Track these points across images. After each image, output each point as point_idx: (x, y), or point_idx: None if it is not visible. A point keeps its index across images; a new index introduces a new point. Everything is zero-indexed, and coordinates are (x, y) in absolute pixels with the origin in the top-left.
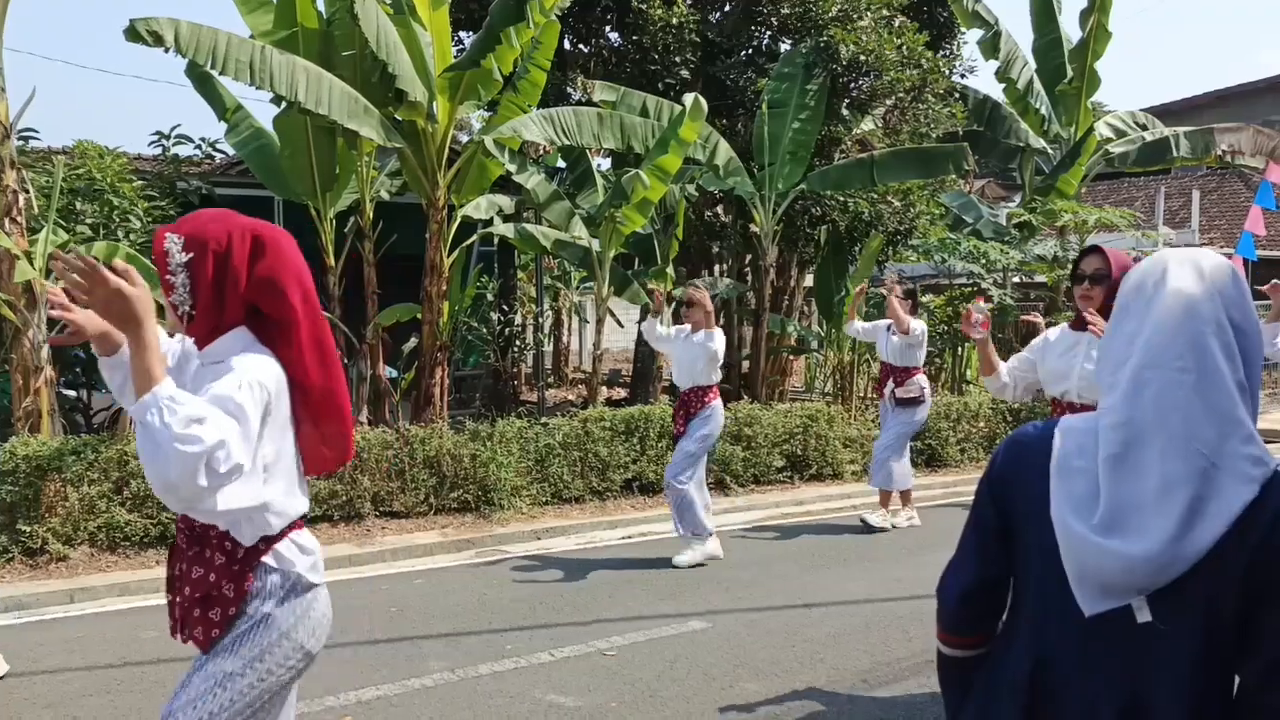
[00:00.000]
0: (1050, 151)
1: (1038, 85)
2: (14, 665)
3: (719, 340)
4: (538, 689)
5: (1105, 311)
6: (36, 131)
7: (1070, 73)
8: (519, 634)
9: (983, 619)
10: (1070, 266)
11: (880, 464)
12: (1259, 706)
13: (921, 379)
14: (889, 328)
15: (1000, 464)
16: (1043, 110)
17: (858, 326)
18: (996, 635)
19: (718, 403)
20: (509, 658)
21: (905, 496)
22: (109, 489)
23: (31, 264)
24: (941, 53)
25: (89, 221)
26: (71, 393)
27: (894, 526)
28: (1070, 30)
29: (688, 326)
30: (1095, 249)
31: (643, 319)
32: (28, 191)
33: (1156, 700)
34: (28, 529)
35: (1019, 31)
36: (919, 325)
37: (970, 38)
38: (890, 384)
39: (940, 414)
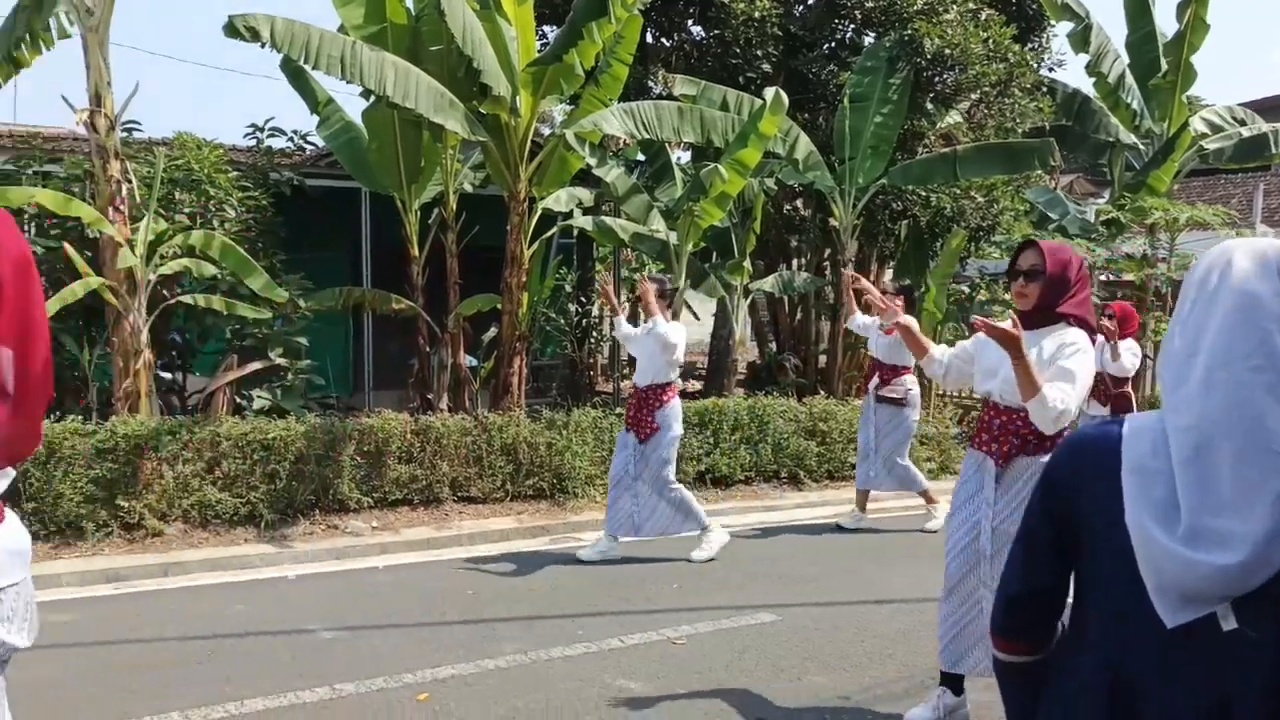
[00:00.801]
0: (1141, 147)
1: (1130, 79)
2: (112, 633)
3: (666, 329)
4: (607, 674)
5: (1041, 309)
6: (139, 124)
7: (1164, 66)
8: (590, 620)
9: (1032, 627)
10: (1147, 263)
11: (888, 467)
12: None
13: (909, 380)
14: (881, 325)
15: (1059, 469)
16: (1134, 105)
17: (858, 321)
18: (1060, 642)
19: (676, 401)
20: (580, 642)
21: (927, 496)
22: (201, 468)
23: (133, 251)
24: (1029, 46)
25: (187, 211)
26: (168, 375)
27: (928, 527)
28: (1165, 24)
29: (652, 320)
30: (1031, 243)
31: (719, 312)
32: (130, 181)
33: (1241, 706)
34: (126, 505)
35: (1110, 24)
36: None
37: (1059, 30)
38: (875, 380)
39: None
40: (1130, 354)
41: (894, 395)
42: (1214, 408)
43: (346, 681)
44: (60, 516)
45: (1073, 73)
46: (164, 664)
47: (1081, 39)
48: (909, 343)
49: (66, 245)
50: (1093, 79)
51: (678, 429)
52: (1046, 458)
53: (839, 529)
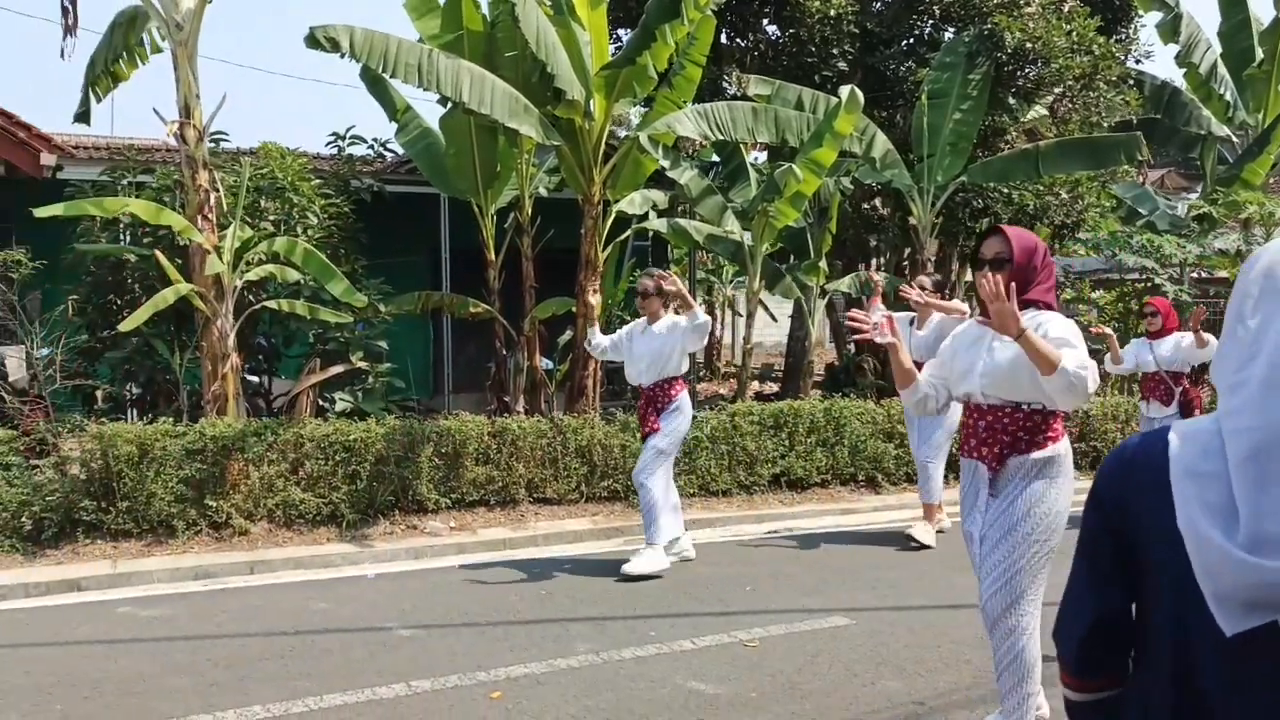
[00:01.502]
0: (1235, 139)
1: (1222, 70)
2: (199, 628)
3: (707, 317)
4: (679, 675)
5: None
6: (226, 134)
7: (1260, 56)
8: (662, 621)
9: (1111, 657)
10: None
11: (926, 475)
12: None
13: None
14: (911, 322)
15: (1108, 482)
16: (1228, 96)
17: (878, 318)
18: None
19: (685, 395)
20: (652, 643)
21: (929, 510)
22: (286, 469)
23: (221, 258)
24: (1115, 38)
25: (271, 218)
26: (255, 378)
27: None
28: (1262, 11)
29: (642, 321)
30: (995, 230)
31: (795, 313)
32: (218, 190)
33: None
34: (214, 504)
35: (1202, 14)
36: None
37: (1148, 21)
38: None
39: (1108, 414)
40: (1176, 347)
41: None
42: (1275, 410)
43: (422, 679)
44: (152, 515)
45: (1161, 64)
46: (248, 659)
47: (1171, 29)
48: (895, 365)
49: (158, 253)
50: (1183, 70)
51: (680, 424)
52: (1040, 453)
53: (908, 539)
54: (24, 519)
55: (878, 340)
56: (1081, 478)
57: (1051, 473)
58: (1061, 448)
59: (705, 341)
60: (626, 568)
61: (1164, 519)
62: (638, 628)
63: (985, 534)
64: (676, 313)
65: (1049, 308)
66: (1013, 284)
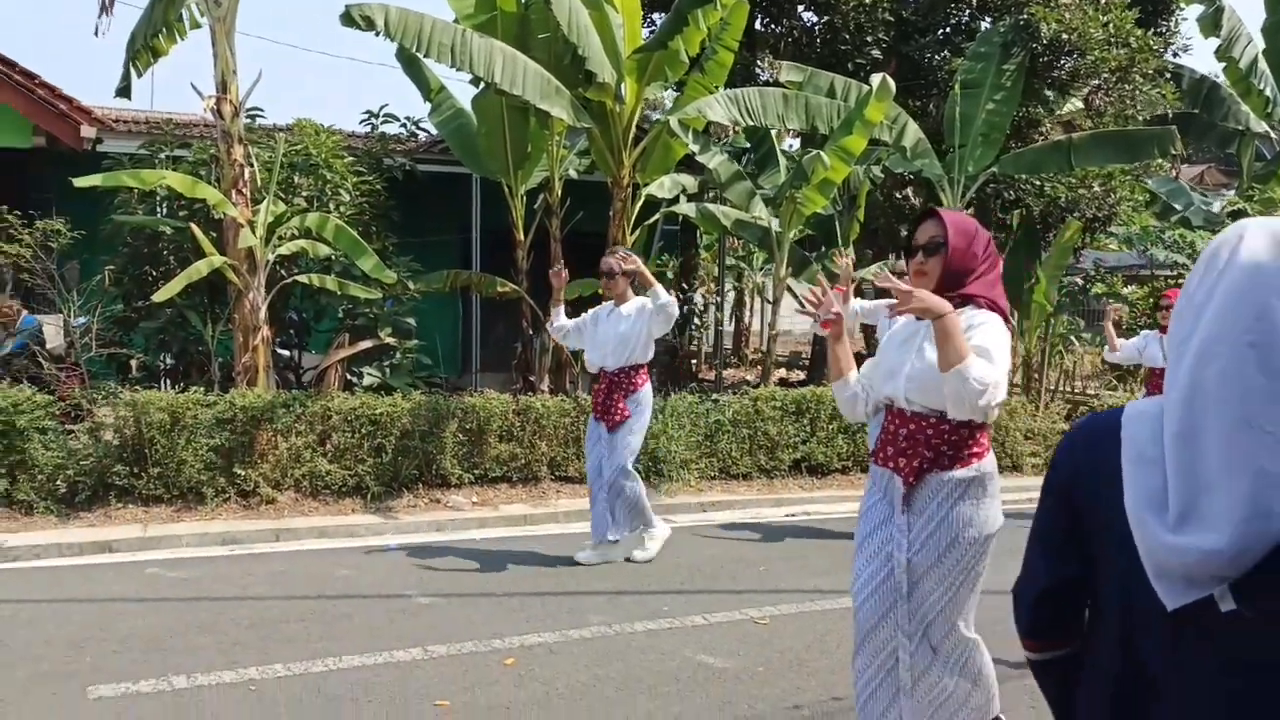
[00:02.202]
0: (1274, 136)
1: (1263, 65)
2: (225, 591)
3: (670, 298)
4: (688, 649)
5: (944, 290)
6: (262, 110)
7: None
8: (675, 597)
9: (1062, 622)
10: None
11: None
12: None
13: None
14: (891, 309)
15: (1065, 461)
16: (1268, 92)
17: (855, 306)
18: (1086, 635)
19: (648, 384)
20: (664, 618)
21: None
22: (313, 440)
23: (254, 232)
24: (1156, 30)
25: (305, 194)
26: (285, 352)
27: None
28: None
29: (609, 304)
30: (931, 213)
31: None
32: (252, 165)
33: (1250, 685)
34: (242, 473)
35: (1245, 8)
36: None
37: (1188, 14)
38: None
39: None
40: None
41: None
42: (1207, 382)
43: (438, 644)
44: (182, 482)
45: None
46: (270, 621)
47: (1212, 22)
48: (832, 356)
49: (193, 225)
50: (1222, 64)
51: (647, 415)
52: (963, 472)
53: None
54: (59, 482)
55: (816, 325)
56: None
57: (977, 493)
58: (987, 465)
59: (670, 326)
60: (638, 554)
61: (1115, 497)
62: (650, 603)
63: (911, 559)
64: (638, 294)
65: (993, 307)
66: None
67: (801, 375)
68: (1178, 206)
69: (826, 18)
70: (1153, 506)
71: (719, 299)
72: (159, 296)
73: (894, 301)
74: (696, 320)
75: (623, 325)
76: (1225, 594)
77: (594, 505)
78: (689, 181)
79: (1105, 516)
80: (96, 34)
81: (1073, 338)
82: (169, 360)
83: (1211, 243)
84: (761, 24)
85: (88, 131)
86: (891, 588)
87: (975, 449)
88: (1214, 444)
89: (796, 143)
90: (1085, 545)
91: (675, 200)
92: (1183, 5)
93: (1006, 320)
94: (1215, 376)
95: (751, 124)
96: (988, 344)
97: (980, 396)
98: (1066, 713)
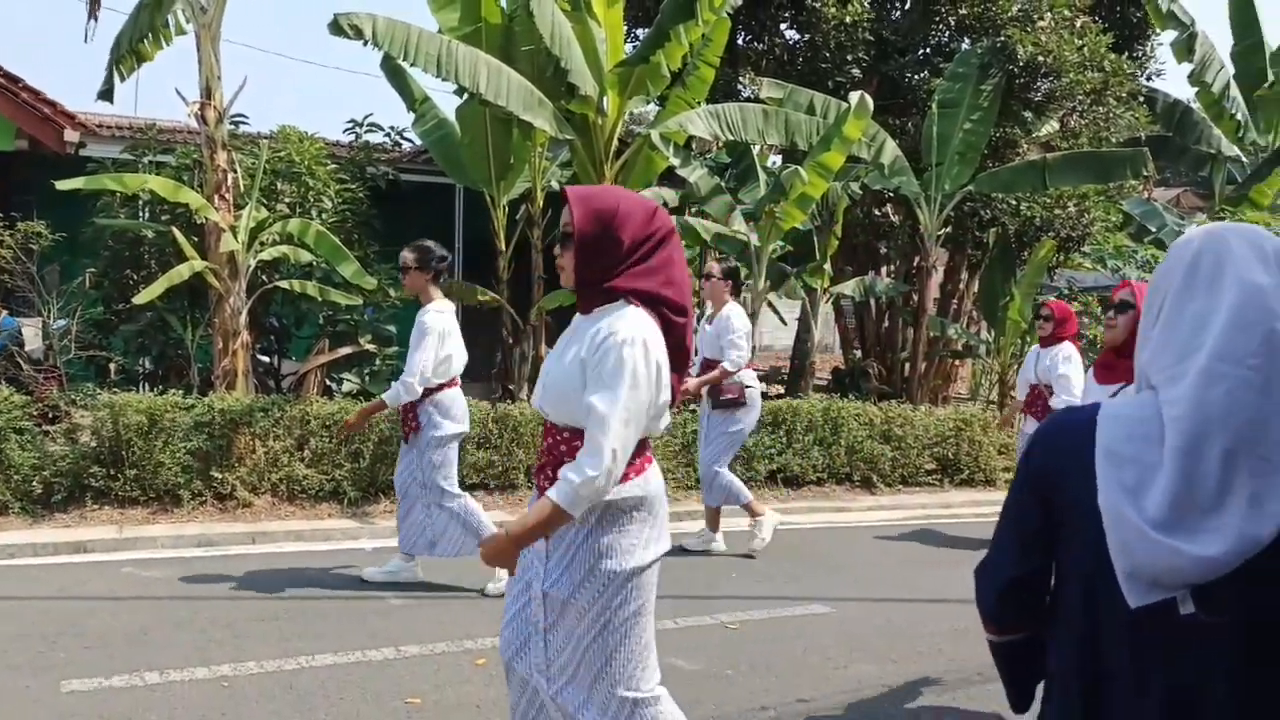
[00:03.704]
0: (1245, 160)
1: (1235, 90)
2: (199, 590)
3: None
4: (660, 651)
5: (585, 285)
6: (246, 117)
7: (1271, 77)
8: None
9: (1024, 611)
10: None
11: (708, 480)
12: None
13: (746, 376)
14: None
15: (1039, 454)
16: (1239, 116)
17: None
18: (1047, 624)
19: (447, 393)
20: None
21: (750, 509)
22: (291, 445)
23: (236, 237)
24: (1131, 55)
25: (287, 201)
26: (265, 357)
27: (750, 550)
28: (1274, 35)
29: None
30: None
31: (802, 316)
32: (235, 171)
33: (1202, 685)
34: (219, 476)
35: (1217, 34)
36: (735, 315)
37: (1163, 39)
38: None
39: None
40: (1068, 363)
41: (728, 396)
42: (1213, 403)
43: (411, 644)
44: (159, 484)
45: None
46: (244, 619)
47: (1185, 48)
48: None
49: (175, 230)
50: (1195, 89)
51: (448, 427)
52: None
53: (683, 550)
54: (34, 483)
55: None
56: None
57: (621, 521)
58: (636, 488)
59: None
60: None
61: (1086, 494)
62: None
63: (547, 591)
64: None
65: (655, 299)
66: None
67: (780, 389)
68: (1152, 228)
69: (808, 36)
70: (1131, 502)
71: (699, 312)
72: (139, 300)
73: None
74: None
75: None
76: (1187, 598)
77: (403, 519)
78: (670, 195)
79: (1073, 510)
80: (86, 39)
81: None
82: (148, 364)
83: (1184, 249)
84: (743, 40)
85: (71, 135)
86: (526, 620)
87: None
88: (1215, 463)
89: (778, 159)
90: (1051, 539)
91: None
92: (1157, 31)
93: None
94: (1221, 398)
95: (732, 139)
96: (604, 370)
97: (603, 459)
98: (1022, 692)
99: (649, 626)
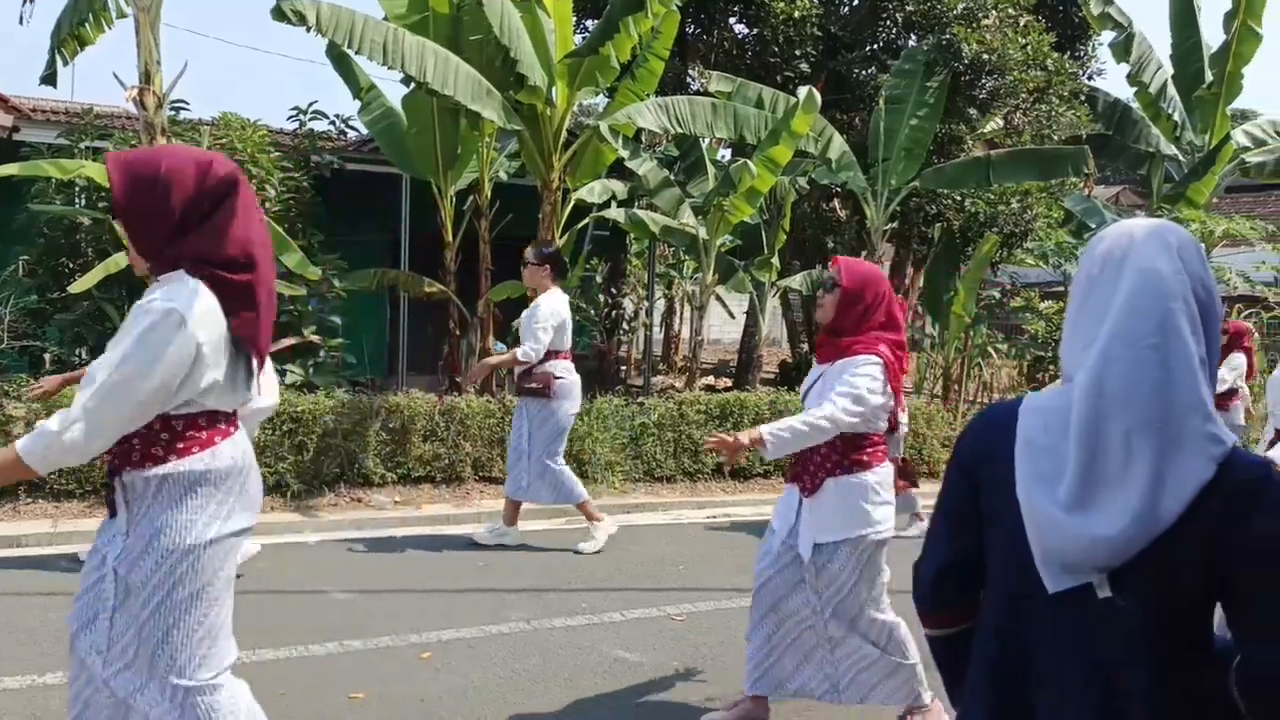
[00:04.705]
0: (1182, 159)
1: (1172, 90)
2: None
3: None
4: (606, 644)
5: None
6: (187, 103)
7: (1209, 78)
8: (594, 594)
9: (958, 598)
10: None
11: (539, 474)
12: (1253, 661)
13: (558, 366)
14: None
15: (969, 443)
16: (1176, 116)
17: None
18: (978, 613)
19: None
20: (582, 614)
21: (513, 510)
22: None
23: None
24: (1074, 54)
25: None
26: None
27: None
28: (1213, 35)
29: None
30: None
31: (750, 310)
32: None
33: (1121, 669)
34: None
35: (1155, 35)
36: (545, 302)
37: (1105, 39)
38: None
39: None
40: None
41: (533, 385)
42: (1111, 383)
43: (354, 638)
44: (95, 478)
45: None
46: None
47: (1123, 48)
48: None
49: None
50: (1134, 89)
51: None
52: (156, 471)
53: (472, 544)
54: None
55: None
56: None
57: (180, 496)
58: (201, 462)
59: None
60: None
61: (1007, 482)
62: (570, 600)
63: (115, 567)
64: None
65: (211, 261)
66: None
67: (728, 382)
68: (1091, 225)
69: (757, 30)
70: (1043, 489)
71: (649, 305)
72: (75, 288)
73: None
74: (625, 326)
75: None
76: (1103, 582)
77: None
78: (619, 187)
79: (998, 500)
80: (21, 22)
81: (990, 349)
82: (84, 354)
83: (1099, 243)
84: (692, 34)
85: (4, 119)
86: (98, 596)
87: (182, 443)
88: (1117, 442)
89: (728, 153)
90: (980, 527)
91: (605, 205)
92: (1097, 31)
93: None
94: (1119, 377)
95: (681, 132)
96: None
97: None
98: (961, 688)
99: (215, 612)
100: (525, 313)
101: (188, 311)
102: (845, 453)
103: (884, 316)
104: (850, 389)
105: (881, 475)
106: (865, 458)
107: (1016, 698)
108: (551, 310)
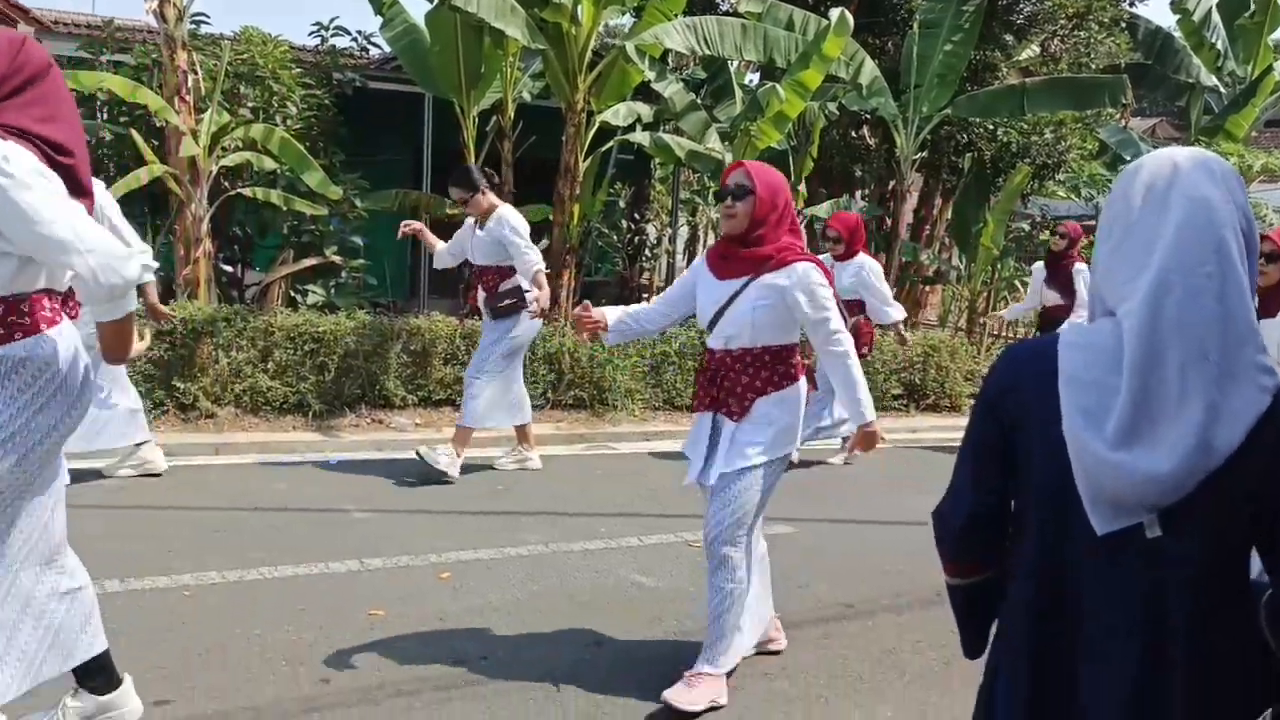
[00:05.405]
0: (1223, 90)
1: (1216, 18)
2: (160, 499)
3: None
4: (623, 568)
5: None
6: (207, 17)
7: (1253, 6)
8: (613, 519)
9: (987, 545)
10: None
11: (471, 396)
12: None
13: (520, 280)
14: (475, 221)
15: (998, 381)
16: (1219, 45)
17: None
18: (1005, 560)
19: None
20: (600, 539)
21: (522, 433)
22: (255, 356)
23: (196, 141)
24: None
25: (250, 105)
26: (229, 268)
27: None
28: None
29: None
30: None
31: None
32: (196, 73)
33: (1168, 611)
34: (181, 386)
35: None
36: (509, 214)
37: None
38: (480, 291)
39: None
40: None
41: (508, 303)
42: (1168, 313)
43: (373, 557)
44: None
45: (1157, 9)
46: (206, 529)
47: None
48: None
49: (133, 132)
50: (1177, 16)
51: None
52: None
53: (491, 468)
54: None
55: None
56: None
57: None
58: (23, 348)
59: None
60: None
61: (1049, 423)
62: (589, 525)
63: None
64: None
65: (30, 135)
66: None
67: None
68: (1126, 156)
69: None
70: (1091, 426)
71: (672, 232)
72: None
73: None
74: (648, 252)
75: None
76: (1154, 523)
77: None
78: (644, 110)
79: (1032, 439)
80: None
81: (1018, 282)
82: None
83: (1138, 172)
84: None
85: (24, 30)
86: None
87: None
88: (1173, 374)
89: (756, 76)
90: (1010, 460)
91: (630, 128)
92: None
93: None
94: (1175, 307)
95: (709, 53)
96: None
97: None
98: (978, 635)
99: (46, 506)
100: (494, 234)
101: (12, 153)
102: (774, 368)
103: (791, 222)
104: (829, 310)
105: (803, 386)
106: (793, 370)
107: (1055, 640)
108: (521, 221)
